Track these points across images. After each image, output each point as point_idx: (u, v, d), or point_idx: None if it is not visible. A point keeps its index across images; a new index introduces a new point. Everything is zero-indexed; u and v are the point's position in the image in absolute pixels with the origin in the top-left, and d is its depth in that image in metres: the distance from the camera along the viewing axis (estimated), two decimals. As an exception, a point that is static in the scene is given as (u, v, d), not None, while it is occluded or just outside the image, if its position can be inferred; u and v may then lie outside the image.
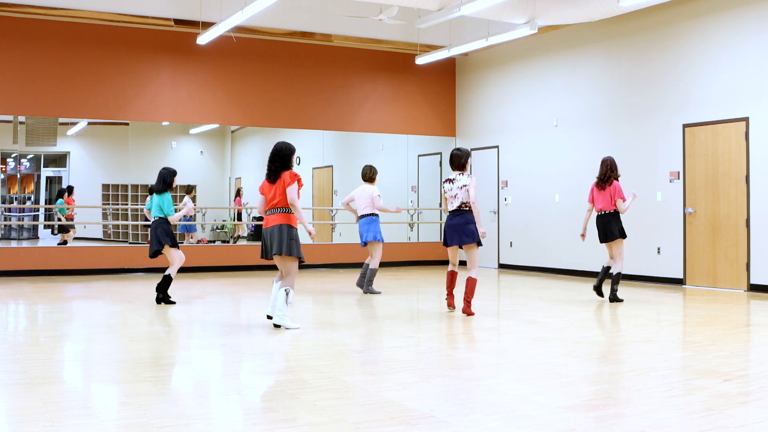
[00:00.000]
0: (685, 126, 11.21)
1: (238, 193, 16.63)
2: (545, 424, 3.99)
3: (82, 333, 7.34)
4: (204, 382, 5.19)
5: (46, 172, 18.11)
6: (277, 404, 4.59)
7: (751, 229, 10.32)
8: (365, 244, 10.11)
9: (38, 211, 18.30)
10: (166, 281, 8.97)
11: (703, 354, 6.01)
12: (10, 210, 17.76)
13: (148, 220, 8.88)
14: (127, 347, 6.33)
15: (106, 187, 16.44)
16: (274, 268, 14.06)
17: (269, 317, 7.39)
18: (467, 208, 8.08)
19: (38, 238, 17.85)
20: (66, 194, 14.95)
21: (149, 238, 9.08)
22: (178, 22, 12.82)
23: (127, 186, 16.13)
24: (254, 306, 9.41)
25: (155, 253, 8.97)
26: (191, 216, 15.52)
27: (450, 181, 8.15)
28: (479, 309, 8.52)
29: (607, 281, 9.95)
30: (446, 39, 13.93)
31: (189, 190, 15.65)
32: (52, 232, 15.83)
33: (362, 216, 10.11)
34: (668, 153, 11.45)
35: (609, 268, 9.43)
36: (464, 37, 13.53)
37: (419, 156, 16.46)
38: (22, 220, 18.10)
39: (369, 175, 10.21)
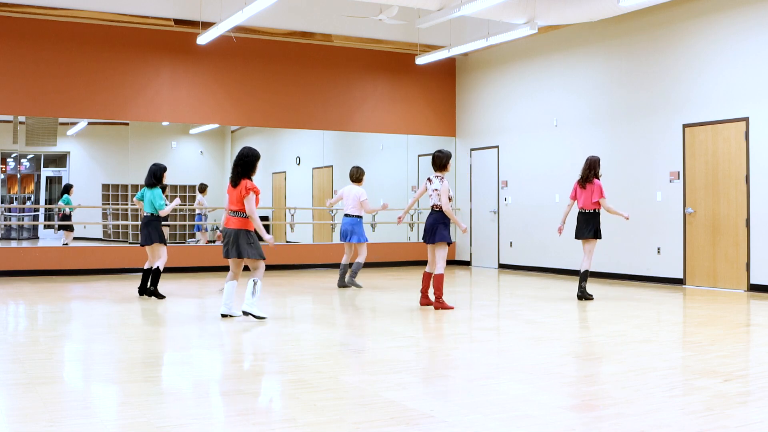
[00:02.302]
0: (685, 126, 11.21)
1: None
2: (545, 424, 3.99)
3: (82, 333, 7.34)
4: (204, 382, 5.19)
5: (46, 172, 18.11)
6: (277, 404, 4.59)
7: (751, 229, 10.31)
8: (349, 242, 10.64)
9: (38, 211, 18.30)
10: (156, 275, 9.36)
11: (703, 354, 6.01)
12: (10, 210, 17.77)
13: (141, 213, 9.38)
14: (126, 347, 6.33)
15: (106, 187, 16.44)
16: (273, 268, 14.07)
17: (223, 315, 7.73)
18: (437, 210, 8.48)
19: (38, 238, 17.85)
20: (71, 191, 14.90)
21: (140, 231, 9.58)
22: (178, 22, 12.82)
23: (127, 186, 16.14)
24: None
25: (144, 245, 9.49)
26: (202, 213, 15.72)
27: (429, 180, 8.55)
28: (480, 309, 8.51)
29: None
30: (446, 39, 13.94)
31: (202, 188, 15.77)
32: (56, 231, 15.75)
33: (347, 215, 10.64)
34: (668, 153, 11.45)
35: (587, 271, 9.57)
36: (464, 37, 13.53)
37: (419, 156, 16.45)
38: (22, 220, 18.10)
39: (356, 176, 10.76)
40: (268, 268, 13.94)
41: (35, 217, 18.04)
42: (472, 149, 15.42)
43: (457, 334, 7.31)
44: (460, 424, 3.97)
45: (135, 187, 16.14)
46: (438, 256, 8.43)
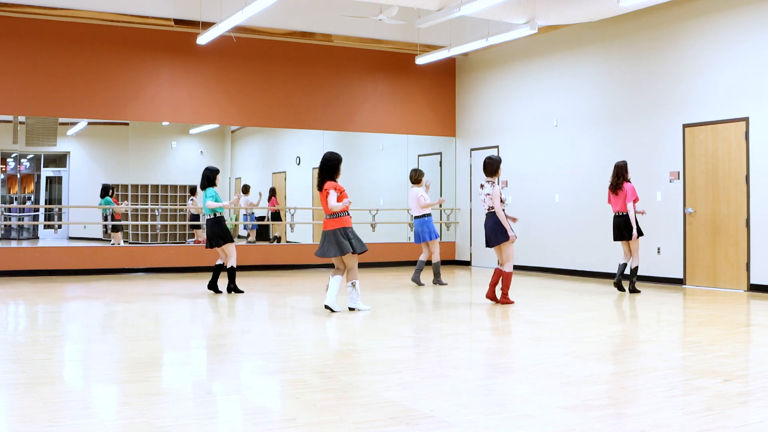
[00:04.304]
0: (685, 126, 11.21)
1: (273, 193, 16.66)
2: (545, 424, 3.99)
3: (82, 333, 7.34)
4: (204, 382, 5.19)
5: (46, 172, 18.12)
6: (277, 404, 4.59)
7: (751, 229, 10.31)
8: (420, 242, 11.25)
9: (38, 211, 18.31)
10: (231, 273, 9.98)
11: (703, 354, 6.01)
12: (10, 210, 17.77)
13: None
14: (127, 347, 6.33)
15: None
16: (273, 268, 14.10)
17: (327, 307, 8.18)
18: (492, 212, 8.93)
19: (38, 238, 17.86)
20: (111, 193, 14.84)
21: (205, 234, 10.28)
22: (178, 22, 12.81)
23: (127, 186, 16.13)
24: (254, 306, 9.41)
25: (212, 246, 9.97)
26: (251, 212, 16.02)
27: (481, 186, 9.11)
28: (480, 309, 8.52)
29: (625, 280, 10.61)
30: (446, 39, 13.93)
31: (246, 190, 15.97)
32: (108, 231, 15.55)
33: (416, 217, 11.28)
34: (668, 153, 11.45)
35: (625, 265, 10.21)
36: (464, 37, 13.52)
37: (419, 156, 16.46)
38: (22, 220, 18.11)
39: (414, 177, 11.40)
40: (269, 268, 13.99)
41: (35, 217, 18.04)
42: (472, 149, 15.42)
43: (457, 334, 7.31)
44: (460, 424, 3.97)
45: (135, 187, 16.16)
46: (505, 255, 8.92)
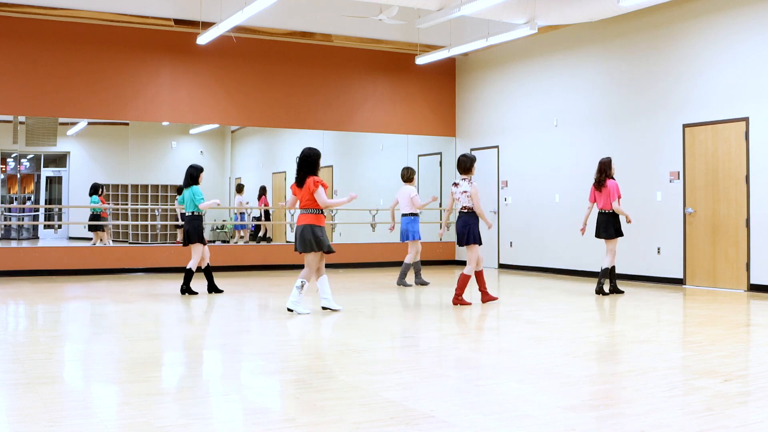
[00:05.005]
0: (685, 126, 11.21)
1: (264, 192, 16.65)
2: (545, 424, 3.99)
3: (82, 333, 7.34)
4: (204, 382, 5.19)
5: (46, 172, 18.11)
6: (277, 404, 4.59)
7: (751, 229, 10.31)
8: (404, 240, 11.09)
9: (38, 211, 18.31)
10: (189, 274, 9.74)
11: (703, 354, 6.01)
12: (10, 210, 17.77)
13: (183, 213, 10.14)
14: (127, 347, 6.33)
15: (106, 187, 16.44)
16: (273, 268, 14.09)
17: (325, 308, 8.19)
18: (466, 211, 8.79)
19: (38, 238, 17.86)
20: (100, 192, 14.80)
21: (182, 231, 10.13)
22: (178, 22, 12.81)
23: (127, 186, 16.13)
24: (254, 306, 9.42)
25: (186, 244, 9.85)
26: (242, 213, 16.03)
27: (455, 184, 8.88)
28: (480, 309, 8.51)
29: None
30: (446, 39, 13.93)
31: (239, 188, 16.00)
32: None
33: (404, 215, 11.07)
34: (668, 153, 11.45)
35: (613, 267, 10.02)
36: (464, 37, 13.53)
37: (419, 156, 16.46)
38: (22, 220, 18.11)
39: (407, 176, 11.19)
40: (268, 268, 13.99)
41: (35, 217, 18.04)
42: (472, 149, 15.42)
43: (457, 334, 7.31)
44: (460, 424, 3.97)
45: (135, 187, 16.16)
46: (469, 257, 8.82)
